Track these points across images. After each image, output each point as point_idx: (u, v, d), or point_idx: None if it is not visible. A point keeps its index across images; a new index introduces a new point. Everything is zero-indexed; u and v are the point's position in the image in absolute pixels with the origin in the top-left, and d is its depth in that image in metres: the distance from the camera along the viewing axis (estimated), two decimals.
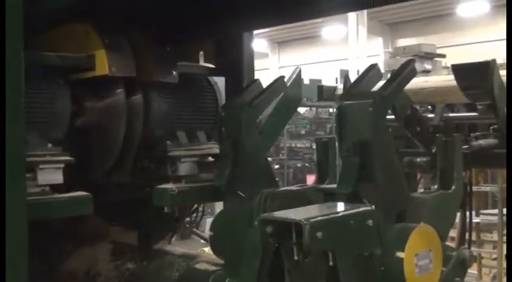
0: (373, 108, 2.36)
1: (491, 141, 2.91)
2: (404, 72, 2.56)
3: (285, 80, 3.12)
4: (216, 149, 3.20)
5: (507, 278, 2.09)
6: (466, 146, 2.82)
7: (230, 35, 3.49)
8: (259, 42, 24.86)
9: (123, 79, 3.02)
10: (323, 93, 3.69)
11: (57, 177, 2.63)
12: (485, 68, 2.63)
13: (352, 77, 2.87)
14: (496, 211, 7.57)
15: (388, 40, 23.33)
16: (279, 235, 2.12)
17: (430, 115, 2.94)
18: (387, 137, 2.48)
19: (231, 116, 2.96)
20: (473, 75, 2.70)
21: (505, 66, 2.65)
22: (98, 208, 2.68)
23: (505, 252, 6.49)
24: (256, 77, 3.39)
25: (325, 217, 2.10)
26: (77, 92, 3.03)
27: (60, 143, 2.78)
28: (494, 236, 7.81)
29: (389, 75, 2.64)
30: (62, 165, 2.66)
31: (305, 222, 2.00)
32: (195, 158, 3.19)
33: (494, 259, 7.66)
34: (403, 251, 2.24)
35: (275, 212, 2.18)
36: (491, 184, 8.07)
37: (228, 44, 3.52)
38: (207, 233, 3.18)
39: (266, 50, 26.95)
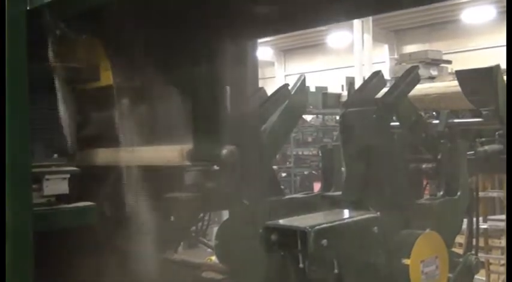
0: (376, 115, 2.36)
1: (496, 146, 2.90)
2: (407, 79, 2.57)
3: (290, 88, 3.12)
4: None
5: (507, 278, 2.08)
6: (472, 152, 2.81)
7: (234, 43, 3.50)
8: (265, 50, 24.89)
9: (128, 89, 3.03)
10: (327, 101, 3.69)
11: (63, 188, 2.64)
12: (489, 73, 2.63)
13: (358, 84, 2.88)
14: (504, 217, 7.53)
15: (393, 47, 23.32)
16: (284, 243, 2.11)
17: (435, 121, 2.93)
18: (391, 143, 2.48)
19: (235, 124, 2.96)
20: (477, 81, 2.70)
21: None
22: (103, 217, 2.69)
23: None
24: (262, 86, 3.39)
25: (330, 224, 2.10)
26: (82, 102, 3.04)
27: (65, 154, 2.79)
28: (503, 242, 7.77)
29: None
30: (68, 176, 2.67)
31: (310, 229, 2.00)
32: (201, 166, 3.19)
33: (503, 265, 7.61)
34: (409, 257, 2.24)
35: (280, 220, 2.18)
36: (498, 190, 8.04)
37: (232, 53, 3.52)
38: (213, 241, 3.18)
39: (272, 58, 26.96)
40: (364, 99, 2.52)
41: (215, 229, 3.22)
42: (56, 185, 2.61)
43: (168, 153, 2.79)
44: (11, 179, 2.12)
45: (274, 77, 25.75)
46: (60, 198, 2.64)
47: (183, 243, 4.04)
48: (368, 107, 2.39)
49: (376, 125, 2.36)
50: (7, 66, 2.13)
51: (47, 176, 2.60)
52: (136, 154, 2.91)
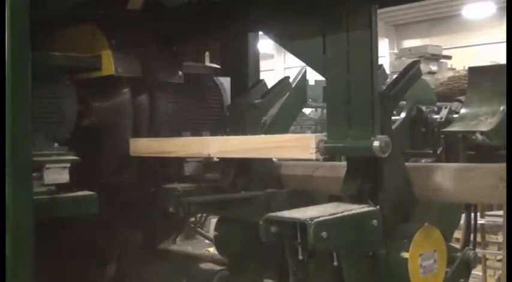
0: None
1: None
2: (409, 73, 2.56)
3: (290, 80, 3.13)
4: None
5: (507, 278, 2.08)
6: (473, 137, 2.79)
7: (236, 35, 3.50)
8: (265, 43, 24.72)
9: (129, 79, 3.03)
10: None
11: (64, 177, 2.65)
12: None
13: None
14: (501, 212, 7.53)
15: (393, 41, 23.28)
16: (283, 235, 2.12)
17: (436, 116, 2.94)
18: (392, 137, 2.48)
19: (236, 116, 2.97)
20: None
21: None
22: (104, 208, 2.69)
23: None
24: (261, 78, 3.39)
25: (330, 217, 2.10)
26: (83, 91, 3.04)
27: (66, 143, 2.79)
28: (499, 238, 7.79)
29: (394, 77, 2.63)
30: (68, 165, 2.67)
31: (310, 221, 2.00)
32: (200, 158, 3.19)
33: (499, 260, 7.64)
34: (407, 251, 2.24)
35: (280, 212, 2.18)
36: None
37: (233, 45, 3.52)
38: (211, 233, 3.20)
39: (272, 51, 26.90)
40: None
41: (213, 221, 3.23)
42: (57, 174, 2.62)
43: (291, 143, 2.39)
44: (11, 167, 2.12)
45: (273, 70, 25.70)
46: (60, 187, 2.64)
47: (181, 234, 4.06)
48: None
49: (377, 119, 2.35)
50: (9, 54, 2.12)
51: (47, 165, 2.60)
52: (245, 144, 2.61)
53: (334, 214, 2.14)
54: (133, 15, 2.94)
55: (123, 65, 2.95)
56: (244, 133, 2.88)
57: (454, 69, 15.52)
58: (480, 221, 7.43)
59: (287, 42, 2.59)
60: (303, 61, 2.51)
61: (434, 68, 15.36)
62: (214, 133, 3.34)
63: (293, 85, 3.11)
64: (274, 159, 2.94)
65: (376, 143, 2.12)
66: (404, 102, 2.79)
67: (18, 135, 2.16)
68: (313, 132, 17.45)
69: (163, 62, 3.15)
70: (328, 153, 2.23)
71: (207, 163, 3.23)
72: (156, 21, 3.07)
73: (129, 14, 2.96)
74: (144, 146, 3.02)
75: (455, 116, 2.96)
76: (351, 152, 2.28)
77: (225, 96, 3.50)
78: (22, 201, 2.16)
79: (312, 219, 2.01)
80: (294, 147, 2.34)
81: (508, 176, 2.11)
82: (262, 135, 2.61)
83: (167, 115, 3.21)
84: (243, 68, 3.45)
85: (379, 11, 2.26)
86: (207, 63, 3.49)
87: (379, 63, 2.90)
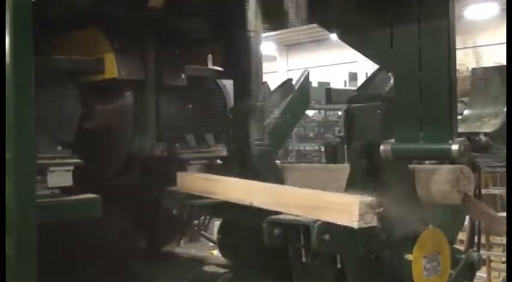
0: (381, 111, 2.36)
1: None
2: None
3: (293, 82, 3.12)
4: (224, 152, 3.21)
5: (507, 278, 2.07)
6: (476, 139, 2.78)
7: (238, 37, 3.50)
8: (268, 45, 24.84)
9: (132, 82, 3.03)
10: (331, 96, 3.70)
11: (67, 180, 2.65)
12: None
13: (361, 80, 2.87)
14: (505, 214, 7.51)
15: None
16: (286, 237, 2.12)
17: None
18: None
19: (239, 118, 2.96)
20: None
21: None
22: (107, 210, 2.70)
23: None
24: (264, 80, 3.39)
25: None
26: (86, 95, 3.05)
27: (69, 146, 2.80)
28: (504, 239, 7.77)
29: None
30: (72, 168, 2.67)
31: (313, 224, 2.00)
32: (204, 160, 3.20)
33: (504, 262, 7.62)
34: (411, 253, 2.24)
35: (283, 214, 2.18)
36: (500, 187, 8.03)
37: (236, 47, 3.52)
38: (215, 235, 3.20)
39: (274, 53, 26.92)
40: (369, 94, 2.51)
41: (217, 223, 3.23)
42: (60, 177, 2.62)
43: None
44: (15, 170, 2.12)
45: (276, 72, 25.70)
46: (63, 189, 2.64)
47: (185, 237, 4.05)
48: (373, 103, 2.39)
49: (380, 120, 2.35)
50: (12, 58, 2.13)
51: (51, 168, 2.61)
52: (294, 198, 2.26)
53: None
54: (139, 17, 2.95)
55: (126, 68, 2.95)
56: (246, 135, 2.87)
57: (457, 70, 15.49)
58: None
59: (349, 35, 2.38)
60: (367, 57, 2.34)
61: None
62: (217, 135, 3.35)
63: (296, 87, 3.11)
64: (277, 162, 2.95)
65: (455, 147, 1.96)
66: None
67: (22, 138, 2.16)
68: (316, 134, 17.47)
69: (167, 64, 3.15)
70: (397, 157, 2.10)
71: (210, 165, 3.23)
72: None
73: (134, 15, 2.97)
74: (190, 183, 2.91)
75: (458, 117, 2.95)
76: (425, 155, 2.14)
77: (228, 98, 3.50)
78: (26, 203, 2.16)
79: (315, 221, 2.01)
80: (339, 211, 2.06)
81: (508, 176, 2.11)
82: (315, 191, 2.22)
83: (170, 117, 3.21)
84: (246, 70, 3.45)
85: None
86: (210, 65, 3.49)
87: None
